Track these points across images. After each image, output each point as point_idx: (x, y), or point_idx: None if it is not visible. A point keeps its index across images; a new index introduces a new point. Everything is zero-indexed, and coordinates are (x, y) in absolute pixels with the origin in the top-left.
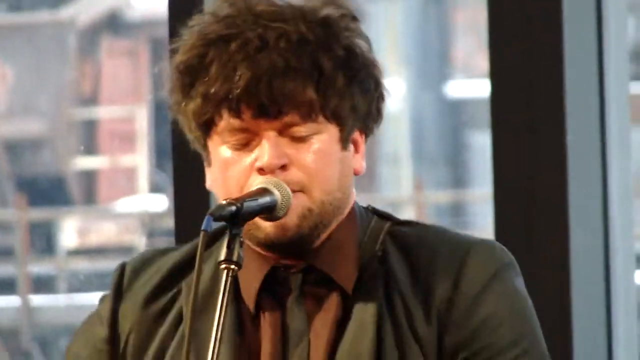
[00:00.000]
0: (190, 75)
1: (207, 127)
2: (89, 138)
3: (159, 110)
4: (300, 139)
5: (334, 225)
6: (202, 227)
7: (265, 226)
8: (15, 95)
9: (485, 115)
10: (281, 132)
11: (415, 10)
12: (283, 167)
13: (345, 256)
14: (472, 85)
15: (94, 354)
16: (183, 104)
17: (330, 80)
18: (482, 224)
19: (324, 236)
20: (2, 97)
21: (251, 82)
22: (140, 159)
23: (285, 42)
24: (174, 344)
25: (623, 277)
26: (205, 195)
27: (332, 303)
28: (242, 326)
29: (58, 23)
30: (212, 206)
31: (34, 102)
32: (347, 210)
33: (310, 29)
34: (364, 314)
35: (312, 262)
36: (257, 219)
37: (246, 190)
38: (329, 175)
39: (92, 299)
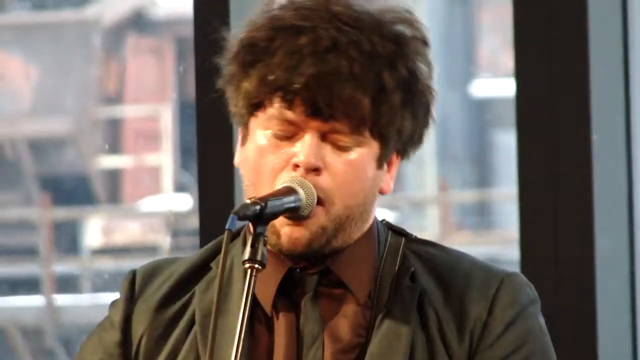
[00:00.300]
0: (253, 54)
1: (255, 107)
2: (114, 137)
3: (184, 110)
4: (341, 148)
5: (352, 238)
6: (227, 226)
7: (280, 234)
8: (39, 94)
9: (510, 114)
10: (325, 135)
11: (440, 9)
12: (317, 170)
13: (362, 268)
14: (498, 85)
15: (105, 358)
16: (238, 78)
17: (388, 97)
18: (507, 223)
19: (338, 246)
20: (26, 96)
21: (313, 79)
22: (165, 158)
23: (355, 50)
24: (185, 347)
25: None
26: (230, 194)
27: (349, 309)
28: (255, 327)
29: (83, 22)
30: (237, 205)
31: (58, 101)
32: (367, 226)
33: (382, 43)
34: (396, 323)
35: (329, 265)
36: (276, 224)
37: (275, 182)
38: (357, 190)
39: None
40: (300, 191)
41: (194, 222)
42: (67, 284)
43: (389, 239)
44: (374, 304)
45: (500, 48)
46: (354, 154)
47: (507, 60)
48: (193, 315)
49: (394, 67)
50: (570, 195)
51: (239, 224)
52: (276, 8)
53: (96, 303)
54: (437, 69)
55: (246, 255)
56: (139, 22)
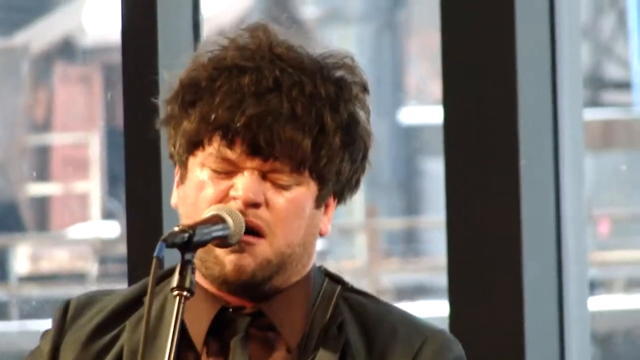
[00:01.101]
0: (194, 93)
1: (194, 146)
2: (42, 164)
3: (112, 137)
4: (281, 187)
5: (290, 280)
6: (155, 254)
7: (225, 263)
8: None
9: (438, 141)
10: (265, 174)
11: (369, 37)
12: (256, 206)
13: (295, 313)
14: (426, 112)
15: None
16: (178, 119)
17: (328, 139)
18: (435, 250)
19: (278, 285)
20: None
21: (254, 119)
22: (93, 185)
23: (297, 91)
24: None
25: (576, 303)
26: (158, 222)
27: (279, 354)
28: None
29: (11, 49)
30: (165, 233)
31: None
32: (306, 270)
33: (324, 85)
34: None
35: (263, 307)
36: (218, 254)
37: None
38: (296, 227)
39: (45, 325)
40: (229, 219)
41: (122, 249)
42: None
43: (324, 286)
44: (301, 351)
45: (428, 76)
46: (293, 192)
47: (435, 87)
48: (121, 350)
49: (335, 109)
50: (499, 221)
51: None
52: (217, 48)
53: (24, 330)
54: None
55: (174, 283)
56: (67, 50)
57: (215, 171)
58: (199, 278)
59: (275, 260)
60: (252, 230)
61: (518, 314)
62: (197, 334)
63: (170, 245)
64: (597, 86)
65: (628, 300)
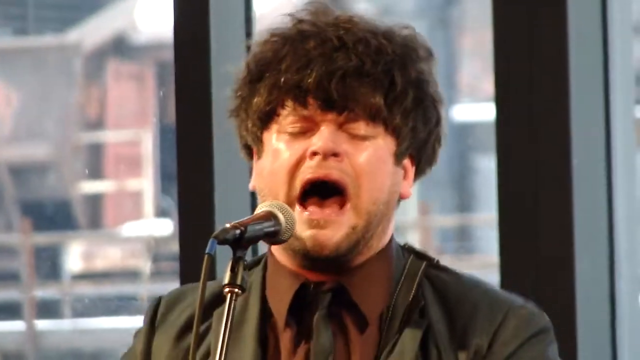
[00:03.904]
0: (260, 68)
1: (268, 117)
2: (95, 162)
3: (164, 134)
4: (357, 137)
5: (372, 248)
6: (207, 251)
7: (305, 238)
8: (20, 119)
9: (491, 139)
10: (341, 126)
11: (422, 34)
12: (337, 156)
13: (376, 290)
14: (478, 109)
15: None
16: (248, 98)
17: (399, 94)
18: (487, 247)
19: (361, 258)
20: (7, 122)
21: (323, 75)
22: (145, 183)
23: (363, 47)
24: None
25: (628, 301)
26: (210, 219)
27: (360, 331)
28: (265, 342)
29: (64, 47)
30: (217, 230)
31: (39, 127)
32: (386, 239)
33: (390, 45)
34: (400, 355)
35: (344, 283)
36: (297, 228)
37: (294, 190)
38: (379, 182)
39: (97, 323)
40: (280, 215)
41: (175, 247)
42: (47, 309)
43: (408, 263)
44: (383, 332)
45: (480, 73)
46: (372, 144)
47: (488, 85)
48: (208, 346)
49: (404, 67)
50: (551, 219)
51: (220, 249)
52: (281, 26)
53: (76, 328)
54: None
55: (226, 280)
56: (119, 47)
57: (291, 134)
58: (279, 255)
59: (362, 222)
60: (336, 189)
61: (570, 311)
62: (279, 311)
63: (222, 242)
64: None
65: None
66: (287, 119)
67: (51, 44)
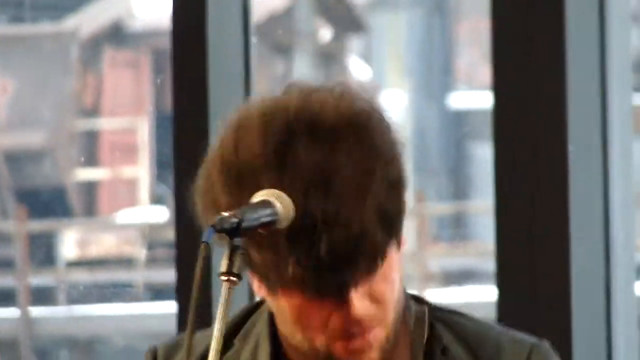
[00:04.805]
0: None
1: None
2: (90, 149)
3: (160, 122)
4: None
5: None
6: (203, 239)
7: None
8: (16, 106)
9: (487, 126)
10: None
11: (419, 22)
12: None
13: (402, 348)
14: (475, 97)
15: None
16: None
17: (387, 207)
18: (483, 235)
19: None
20: (2, 109)
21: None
22: (141, 170)
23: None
24: None
25: (624, 288)
26: None
27: None
28: None
29: (60, 34)
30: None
31: (35, 114)
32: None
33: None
34: None
35: None
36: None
37: (329, 340)
38: (399, 295)
39: (92, 310)
40: (277, 204)
41: (170, 235)
42: (42, 296)
43: (413, 308)
44: None
45: (477, 60)
46: (386, 267)
47: (485, 72)
48: None
49: (361, 198)
50: (546, 206)
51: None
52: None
53: (71, 315)
54: (414, 81)
55: (223, 268)
56: (116, 34)
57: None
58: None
59: (390, 328)
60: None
61: (565, 298)
62: None
63: (219, 230)
64: None
65: None
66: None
67: (47, 31)
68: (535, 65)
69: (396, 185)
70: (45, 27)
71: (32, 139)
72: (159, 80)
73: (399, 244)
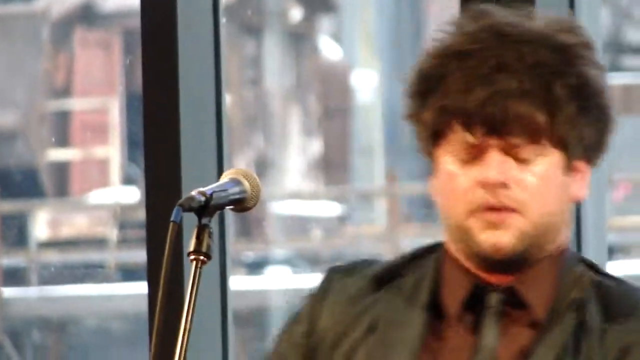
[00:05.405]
0: (427, 84)
1: (437, 136)
2: (62, 130)
3: (131, 102)
4: (524, 161)
5: (544, 250)
6: (172, 219)
7: (480, 242)
8: None
9: None
10: (507, 151)
11: (389, 1)
12: (505, 185)
13: (545, 290)
14: None
15: (291, 347)
16: (417, 111)
17: (561, 107)
18: None
19: (533, 256)
20: None
21: (485, 101)
22: (112, 151)
23: (521, 65)
24: (361, 350)
25: None
26: (177, 187)
27: (522, 331)
28: (428, 335)
29: (31, 15)
30: (183, 197)
31: (6, 94)
32: (560, 239)
33: (547, 55)
34: (548, 353)
35: (515, 285)
36: (470, 230)
37: (470, 206)
38: (548, 198)
39: (64, 291)
40: (245, 182)
41: (141, 215)
42: (14, 277)
43: (577, 268)
44: (542, 327)
45: None
46: (538, 164)
47: None
48: (376, 318)
49: (563, 76)
50: None
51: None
52: (446, 36)
53: (43, 295)
54: (385, 61)
55: (191, 247)
56: (87, 15)
57: (461, 159)
58: (455, 252)
59: (532, 232)
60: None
61: None
62: (451, 304)
63: (188, 209)
64: (617, 51)
65: None
66: (456, 144)
67: (19, 12)
68: None
69: (603, 119)
70: (16, 8)
71: (3, 119)
72: (129, 61)
73: (568, 162)
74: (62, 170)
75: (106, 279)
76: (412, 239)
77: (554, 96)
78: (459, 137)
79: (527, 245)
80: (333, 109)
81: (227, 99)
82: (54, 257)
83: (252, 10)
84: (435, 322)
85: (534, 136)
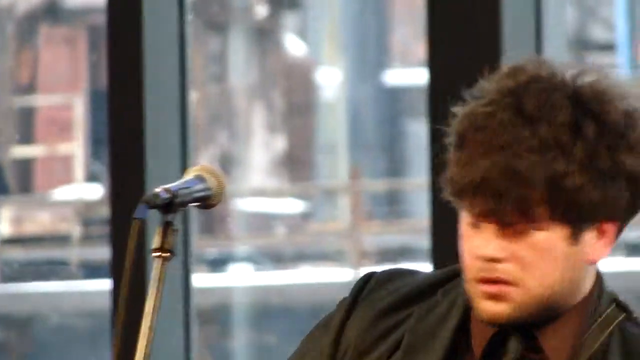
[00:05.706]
0: (455, 144)
1: (457, 197)
2: (26, 126)
3: (96, 99)
4: (521, 233)
5: (563, 308)
6: (135, 216)
7: (481, 310)
8: None
9: (422, 103)
10: (503, 226)
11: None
12: (496, 260)
13: (568, 338)
14: (410, 74)
15: (315, 354)
16: (447, 163)
17: (562, 183)
18: (418, 212)
19: (545, 317)
20: None
21: (479, 184)
22: (76, 147)
23: (528, 145)
24: None
25: None
26: (141, 184)
27: None
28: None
29: None
30: (147, 194)
31: None
32: (581, 296)
33: (556, 131)
34: None
35: (535, 333)
36: (476, 299)
37: (471, 275)
38: (547, 270)
39: (27, 288)
40: (210, 179)
41: (105, 212)
42: None
43: (607, 312)
44: None
45: (412, 37)
46: (536, 237)
47: (419, 49)
48: (402, 336)
49: (568, 154)
50: None
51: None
52: (475, 96)
53: (6, 292)
54: (349, 58)
55: (155, 244)
56: (51, 11)
57: (468, 223)
58: None
59: (532, 302)
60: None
61: None
62: (477, 346)
63: (152, 206)
64: (582, 48)
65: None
66: (466, 210)
67: None
68: (470, 42)
69: (611, 183)
70: None
71: None
72: (94, 57)
73: (575, 233)
74: (25, 166)
75: (69, 276)
76: (375, 236)
77: (554, 177)
78: (467, 206)
79: (528, 315)
80: (297, 106)
81: (192, 95)
82: (17, 254)
83: (217, 7)
84: (459, 347)
85: (528, 215)
